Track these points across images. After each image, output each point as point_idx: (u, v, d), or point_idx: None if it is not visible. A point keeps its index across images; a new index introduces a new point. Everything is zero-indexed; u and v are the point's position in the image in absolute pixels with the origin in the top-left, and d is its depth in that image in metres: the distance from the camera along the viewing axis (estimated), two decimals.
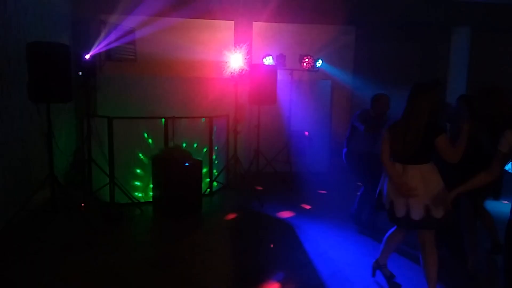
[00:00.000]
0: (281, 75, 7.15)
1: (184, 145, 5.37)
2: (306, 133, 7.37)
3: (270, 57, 7.12)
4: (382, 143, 3.17)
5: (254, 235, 4.54)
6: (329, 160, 7.98)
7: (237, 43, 7.17)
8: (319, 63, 7.42)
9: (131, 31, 7.86)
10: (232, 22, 7.67)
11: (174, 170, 4.96)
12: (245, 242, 4.35)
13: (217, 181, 6.12)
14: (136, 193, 5.44)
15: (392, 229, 3.33)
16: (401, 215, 3.04)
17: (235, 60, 6.06)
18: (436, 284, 3.05)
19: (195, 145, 5.74)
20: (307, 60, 7.31)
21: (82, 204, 5.17)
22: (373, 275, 3.49)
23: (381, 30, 9.67)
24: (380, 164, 3.21)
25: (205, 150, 5.87)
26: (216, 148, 6.05)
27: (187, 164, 5.05)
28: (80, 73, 4.94)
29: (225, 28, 7.89)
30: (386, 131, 3.15)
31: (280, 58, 7.19)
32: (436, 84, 3.24)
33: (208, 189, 5.94)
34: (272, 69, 6.29)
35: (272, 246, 4.22)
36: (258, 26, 8.02)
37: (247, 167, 6.69)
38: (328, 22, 7.90)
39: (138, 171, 5.46)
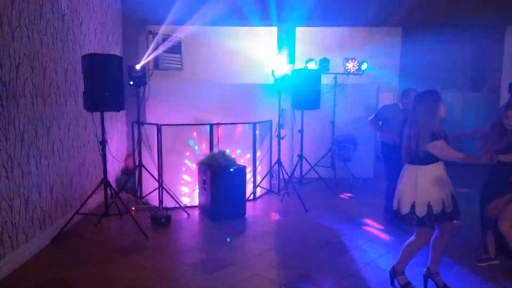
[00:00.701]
0: (325, 79, 7.10)
1: (228, 150, 5.45)
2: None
3: (313, 61, 7.07)
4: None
5: (300, 241, 4.52)
6: (374, 165, 7.79)
7: (280, 49, 7.22)
8: (364, 66, 7.29)
9: (178, 41, 8.14)
10: (275, 28, 7.72)
11: (219, 175, 5.05)
12: (292, 247, 4.33)
13: (260, 186, 6.16)
14: (183, 198, 5.59)
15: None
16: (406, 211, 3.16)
17: (278, 65, 6.08)
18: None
19: (238, 151, 5.81)
20: (351, 63, 7.21)
21: (133, 208, 5.39)
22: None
23: (428, 31, 9.35)
24: None
25: (248, 155, 5.93)
26: (259, 153, 6.09)
27: (232, 169, 5.12)
28: (131, 82, 5.16)
29: (268, 34, 7.96)
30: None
31: (324, 62, 7.13)
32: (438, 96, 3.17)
33: (252, 194, 5.98)
34: (315, 73, 6.26)
35: (318, 252, 4.18)
36: (301, 31, 8.02)
37: (290, 173, 6.68)
38: (373, 24, 7.74)
39: (184, 176, 5.61)
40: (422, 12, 7.36)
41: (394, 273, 3.43)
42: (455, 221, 3.19)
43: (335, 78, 7.22)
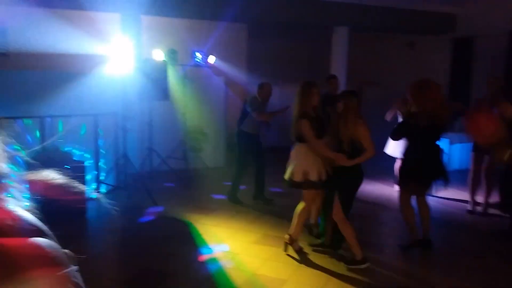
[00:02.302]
0: (173, 71, 7.02)
1: (63, 146, 4.94)
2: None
3: (161, 52, 6.91)
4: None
5: (146, 236, 4.38)
6: (225, 155, 8.07)
7: (124, 37, 6.83)
8: (212, 58, 7.44)
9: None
10: (118, 14, 7.27)
11: None
12: (135, 244, 4.17)
13: (106, 183, 5.77)
14: None
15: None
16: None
17: (123, 55, 5.76)
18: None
19: (76, 145, 5.32)
20: (200, 55, 7.27)
21: None
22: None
23: (272, 28, 10.05)
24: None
25: (88, 150, 5.48)
26: (101, 147, 5.69)
27: (67, 166, 4.65)
28: None
29: (111, 21, 7.45)
30: None
31: (172, 53, 7.03)
32: (311, 85, 3.81)
33: (95, 192, 5.56)
34: (162, 64, 6.13)
35: (164, 245, 4.11)
36: (148, 20, 7.74)
37: (139, 166, 6.43)
38: (219, 19, 7.93)
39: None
40: (264, 9, 7.83)
41: (291, 241, 3.83)
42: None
43: (184, 69, 7.19)
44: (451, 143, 7.83)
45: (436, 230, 4.61)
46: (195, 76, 7.44)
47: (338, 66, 8.86)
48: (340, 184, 3.59)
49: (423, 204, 3.98)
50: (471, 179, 5.34)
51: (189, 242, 4.19)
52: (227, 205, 5.42)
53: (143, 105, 6.57)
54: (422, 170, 3.85)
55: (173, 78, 6.92)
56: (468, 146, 7.90)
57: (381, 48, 10.97)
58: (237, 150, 5.51)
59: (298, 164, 3.72)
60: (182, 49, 7.39)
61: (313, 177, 3.67)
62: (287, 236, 3.85)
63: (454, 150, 7.90)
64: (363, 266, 3.53)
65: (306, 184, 3.70)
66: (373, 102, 8.76)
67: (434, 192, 4.10)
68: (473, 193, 5.31)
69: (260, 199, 5.48)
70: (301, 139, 3.72)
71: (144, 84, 5.85)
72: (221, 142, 7.92)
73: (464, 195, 5.98)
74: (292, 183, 3.77)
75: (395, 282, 3.44)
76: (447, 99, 9.07)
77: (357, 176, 3.59)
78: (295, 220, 3.83)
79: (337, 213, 3.57)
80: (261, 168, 5.41)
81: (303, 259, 3.77)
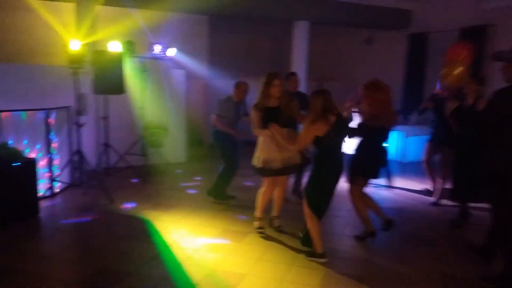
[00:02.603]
0: (131, 63, 6.80)
1: (10, 142, 4.67)
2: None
3: (117, 43, 6.65)
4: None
5: (103, 234, 4.23)
6: (187, 150, 7.95)
7: (78, 27, 6.53)
8: (172, 51, 7.26)
9: None
10: (73, 4, 6.94)
11: None
12: (90, 243, 4.01)
13: (60, 181, 5.51)
14: None
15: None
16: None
17: (76, 46, 5.48)
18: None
19: (25, 141, 5.03)
20: (158, 48, 7.08)
21: None
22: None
23: (233, 22, 9.96)
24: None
25: (38, 146, 5.20)
26: (54, 143, 5.43)
27: (15, 164, 4.40)
28: None
29: (65, 10, 7.10)
30: None
31: (129, 45, 6.79)
32: (270, 78, 3.93)
33: (49, 190, 5.31)
34: (118, 56, 5.91)
35: (120, 243, 3.98)
36: (104, 10, 7.45)
37: (95, 163, 6.21)
38: (178, 11, 7.76)
39: None
40: (225, 2, 7.73)
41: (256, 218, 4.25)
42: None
43: (142, 62, 6.97)
44: (407, 135, 8.11)
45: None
46: (154, 69, 7.24)
47: (298, 61, 8.92)
48: (309, 178, 3.63)
49: (366, 196, 4.14)
50: (427, 169, 5.58)
51: (147, 240, 4.08)
52: (187, 201, 5.34)
53: (98, 98, 6.33)
54: (370, 167, 4.01)
55: (130, 70, 6.71)
56: (423, 138, 8.25)
57: (340, 44, 11.16)
58: (219, 150, 5.22)
59: (258, 152, 4.03)
60: (140, 41, 7.16)
61: (270, 164, 3.94)
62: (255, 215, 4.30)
63: (410, 143, 8.18)
64: (322, 260, 3.58)
65: (263, 170, 4.00)
66: (333, 98, 8.88)
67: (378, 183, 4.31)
68: (433, 181, 5.60)
69: (220, 198, 5.30)
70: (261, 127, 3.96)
71: (98, 76, 5.63)
72: (182, 137, 7.78)
73: (418, 186, 6.23)
74: (254, 169, 4.09)
75: (353, 270, 3.51)
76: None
77: (325, 173, 3.55)
78: (256, 202, 4.24)
79: (305, 206, 3.60)
80: (233, 168, 5.19)
81: (262, 252, 3.78)
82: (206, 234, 4.22)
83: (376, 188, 4.25)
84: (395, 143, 8.33)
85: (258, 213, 4.25)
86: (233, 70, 9.79)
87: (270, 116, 3.86)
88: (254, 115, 3.96)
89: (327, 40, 11.02)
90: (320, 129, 3.39)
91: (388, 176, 4.18)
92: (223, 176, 5.22)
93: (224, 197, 5.29)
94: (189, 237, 4.15)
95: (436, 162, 5.55)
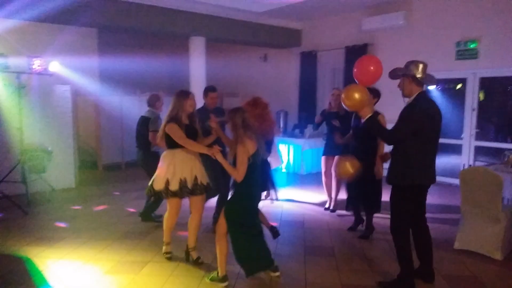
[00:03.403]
0: (4, 79, 5.99)
1: None
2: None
3: None
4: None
5: None
6: (76, 174, 7.22)
7: None
8: (53, 66, 6.55)
9: None
10: None
11: None
12: None
13: None
14: None
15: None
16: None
17: None
18: None
19: None
20: (38, 62, 6.31)
21: None
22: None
23: (126, 37, 9.48)
24: None
25: None
26: None
27: None
28: None
29: None
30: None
31: (1, 59, 5.95)
32: (185, 93, 3.79)
33: None
34: None
35: None
36: None
37: None
38: (60, 22, 7.10)
39: None
40: (116, 16, 7.29)
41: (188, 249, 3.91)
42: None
43: (18, 78, 6.15)
44: (303, 149, 8.46)
45: (291, 230, 4.86)
46: (33, 85, 6.46)
47: (197, 77, 8.82)
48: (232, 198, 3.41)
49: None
50: (324, 181, 5.84)
51: (25, 281, 3.50)
52: (73, 233, 4.76)
53: None
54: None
55: (2, 87, 5.89)
56: (318, 151, 8.69)
57: (238, 60, 11.36)
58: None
59: (160, 172, 3.73)
60: (16, 54, 6.34)
61: (174, 186, 3.66)
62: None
63: (306, 155, 8.55)
64: (222, 284, 3.40)
65: (166, 192, 3.69)
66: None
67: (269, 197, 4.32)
68: (328, 193, 5.84)
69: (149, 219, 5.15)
70: (169, 144, 3.72)
71: None
72: (69, 159, 7.03)
73: (316, 197, 6.49)
74: (151, 192, 3.79)
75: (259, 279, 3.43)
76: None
77: (242, 196, 3.31)
78: (189, 230, 3.90)
79: (218, 225, 3.37)
80: None
81: (162, 283, 3.49)
82: (96, 270, 3.76)
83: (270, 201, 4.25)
84: (292, 156, 8.65)
85: (165, 237, 4.01)
86: (127, 86, 9.29)
87: (188, 134, 3.64)
88: (172, 128, 3.60)
89: (225, 56, 11.13)
90: (251, 148, 3.21)
91: (274, 188, 4.21)
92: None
93: (150, 218, 5.13)
94: (77, 274, 3.66)
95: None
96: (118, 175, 8.33)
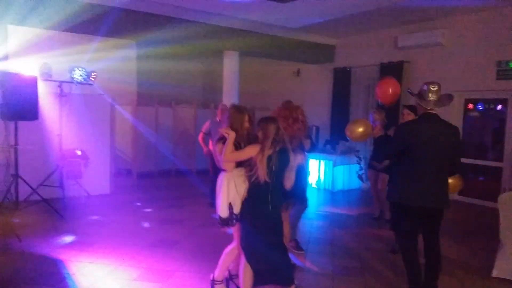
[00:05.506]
0: (47, 87, 6.29)
1: None
2: (79, 152, 6.60)
3: (32, 66, 6.11)
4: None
5: (3, 279, 3.66)
6: (112, 180, 7.43)
7: None
8: (93, 76, 6.82)
9: None
10: None
11: None
12: None
13: None
14: None
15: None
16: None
17: None
18: None
19: None
20: (79, 71, 6.60)
21: None
22: None
23: (162, 48, 9.77)
24: None
25: None
26: None
27: None
28: None
29: None
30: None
31: (45, 68, 6.26)
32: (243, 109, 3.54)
33: None
34: (31, 79, 5.42)
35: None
36: (18, 31, 6.88)
37: (2, 197, 5.52)
38: (102, 34, 7.41)
39: None
40: (155, 29, 7.55)
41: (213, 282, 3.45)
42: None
43: (60, 86, 6.44)
44: (334, 165, 8.35)
45: (319, 248, 4.77)
46: (74, 94, 6.75)
47: (230, 90, 8.94)
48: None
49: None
50: (373, 194, 6.03)
51: (57, 284, 3.60)
52: (105, 239, 4.87)
53: (8, 125, 5.73)
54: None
55: (45, 95, 6.19)
56: (350, 168, 8.55)
57: (270, 75, 11.44)
58: None
59: (222, 197, 3.23)
60: (58, 64, 6.65)
61: (237, 209, 3.22)
62: (212, 276, 3.49)
63: (337, 172, 8.42)
64: None
65: (232, 219, 3.23)
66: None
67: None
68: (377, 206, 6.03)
69: None
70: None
71: (9, 101, 5.09)
72: (105, 167, 7.25)
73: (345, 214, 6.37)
74: (221, 221, 3.26)
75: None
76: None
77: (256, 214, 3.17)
78: (222, 259, 3.42)
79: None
80: None
81: None
82: (126, 275, 3.83)
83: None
84: (323, 172, 8.53)
85: (217, 274, 3.47)
86: (163, 98, 9.55)
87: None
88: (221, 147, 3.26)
89: (258, 70, 11.25)
90: (265, 155, 3.09)
91: (303, 199, 4.24)
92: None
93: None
94: (107, 279, 3.74)
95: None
96: (152, 183, 8.52)
